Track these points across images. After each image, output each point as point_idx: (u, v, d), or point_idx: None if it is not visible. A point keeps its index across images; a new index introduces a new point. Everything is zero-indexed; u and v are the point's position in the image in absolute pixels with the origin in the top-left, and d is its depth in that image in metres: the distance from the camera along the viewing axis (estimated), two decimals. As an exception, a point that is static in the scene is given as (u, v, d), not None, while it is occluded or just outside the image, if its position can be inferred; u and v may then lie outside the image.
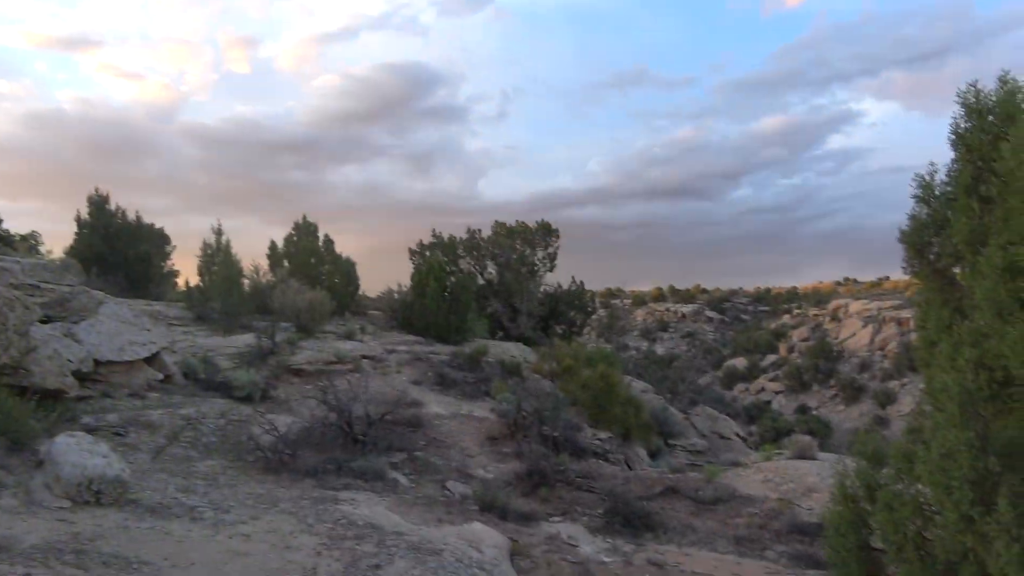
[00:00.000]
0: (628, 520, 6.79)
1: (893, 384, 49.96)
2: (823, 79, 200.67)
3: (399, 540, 5.33)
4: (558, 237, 22.44)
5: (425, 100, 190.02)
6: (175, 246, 26.92)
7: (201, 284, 17.87)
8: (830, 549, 4.25)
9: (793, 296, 79.87)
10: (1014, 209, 3.00)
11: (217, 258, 17.71)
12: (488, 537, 5.82)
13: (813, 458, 9.10)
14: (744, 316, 79.11)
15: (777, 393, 57.57)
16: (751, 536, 6.70)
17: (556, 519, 7.06)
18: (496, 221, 22.63)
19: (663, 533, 6.81)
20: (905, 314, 56.82)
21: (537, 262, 22.06)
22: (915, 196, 3.84)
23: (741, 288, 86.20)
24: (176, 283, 23.80)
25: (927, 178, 3.83)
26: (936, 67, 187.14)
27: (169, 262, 26.50)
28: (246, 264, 18.68)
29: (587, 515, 7.25)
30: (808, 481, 8.10)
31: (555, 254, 22.37)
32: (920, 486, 3.65)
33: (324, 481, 7.07)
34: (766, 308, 79.15)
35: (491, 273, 22.36)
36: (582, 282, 22.53)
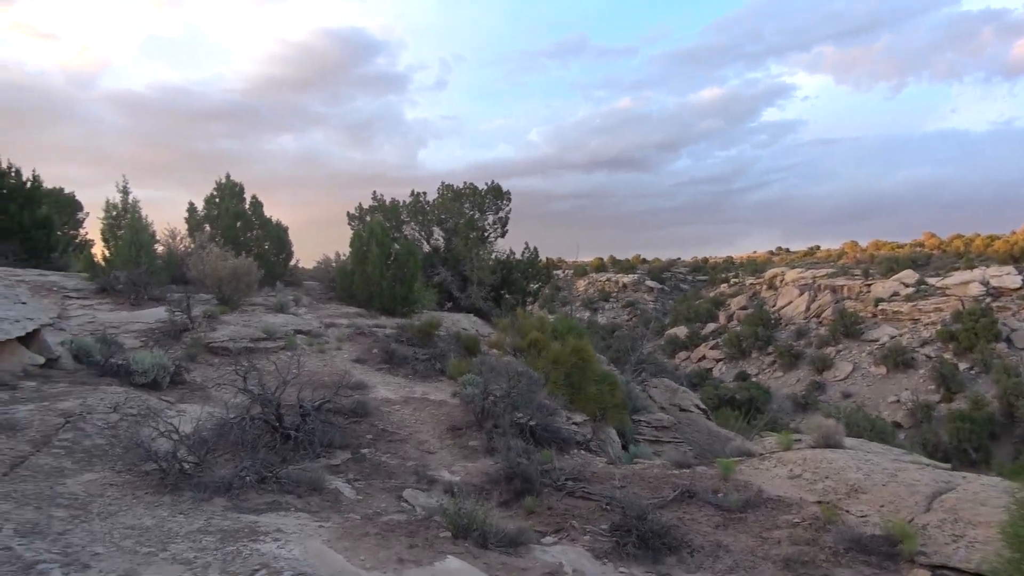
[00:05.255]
0: (644, 539, 5.29)
1: (829, 350, 50.46)
2: (758, 52, 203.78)
3: (349, 602, 3.68)
4: (509, 200, 20.77)
5: (363, 67, 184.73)
6: (87, 213, 24.24)
7: (106, 250, 15.55)
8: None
9: (730, 265, 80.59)
10: None
11: (123, 221, 15.38)
12: (472, 581, 4.23)
13: (840, 446, 7.80)
14: (683, 286, 79.51)
15: (718, 361, 57.77)
16: (802, 556, 5.28)
17: (550, 540, 5.49)
18: (443, 183, 20.79)
19: (689, 555, 5.33)
20: (840, 281, 57.57)
21: (487, 227, 20.36)
22: None
23: (680, 258, 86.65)
24: (91, 254, 21.25)
25: None
26: (865, 42, 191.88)
27: (82, 230, 23.84)
28: (160, 228, 16.42)
29: (588, 532, 5.70)
30: (849, 478, 6.70)
31: (506, 219, 20.71)
32: None
33: (241, 499, 5.31)
34: (704, 278, 79.69)
35: (438, 239, 20.59)
36: (535, 248, 20.98)
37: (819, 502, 6.38)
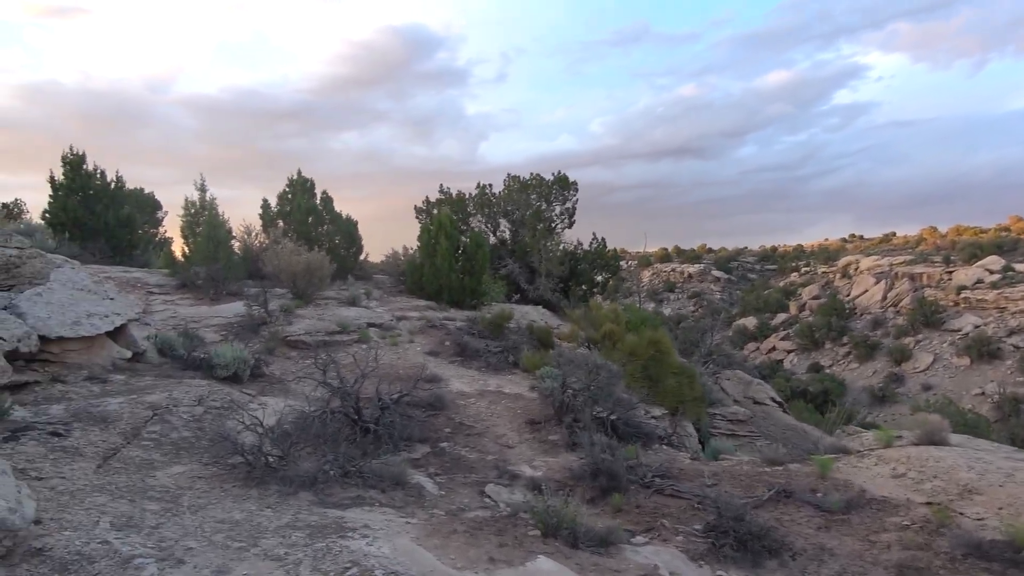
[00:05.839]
0: (742, 541, 5.04)
1: (908, 340, 48.42)
2: (828, 33, 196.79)
3: (444, 604, 3.57)
4: (576, 191, 20.49)
5: (425, 64, 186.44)
6: (167, 212, 25.13)
7: (185, 247, 16.00)
8: None
9: (800, 254, 78.20)
10: None
11: (201, 218, 15.77)
12: (566, 582, 4.07)
13: (946, 443, 7.31)
14: (751, 275, 77.58)
15: (789, 352, 56.17)
16: (915, 562, 4.92)
17: (640, 540, 5.28)
18: (509, 175, 20.64)
19: (791, 559, 5.05)
20: (918, 269, 55.11)
21: (554, 218, 20.14)
22: None
23: (747, 247, 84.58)
24: (171, 251, 22.01)
25: None
26: (943, 16, 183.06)
27: (162, 229, 24.74)
28: (236, 225, 16.80)
29: (681, 532, 5.47)
30: (960, 477, 6.26)
31: (573, 209, 20.45)
32: None
33: (326, 494, 5.28)
34: (773, 267, 77.59)
35: (504, 231, 20.46)
36: (603, 239, 20.64)
37: (929, 503, 5.96)
